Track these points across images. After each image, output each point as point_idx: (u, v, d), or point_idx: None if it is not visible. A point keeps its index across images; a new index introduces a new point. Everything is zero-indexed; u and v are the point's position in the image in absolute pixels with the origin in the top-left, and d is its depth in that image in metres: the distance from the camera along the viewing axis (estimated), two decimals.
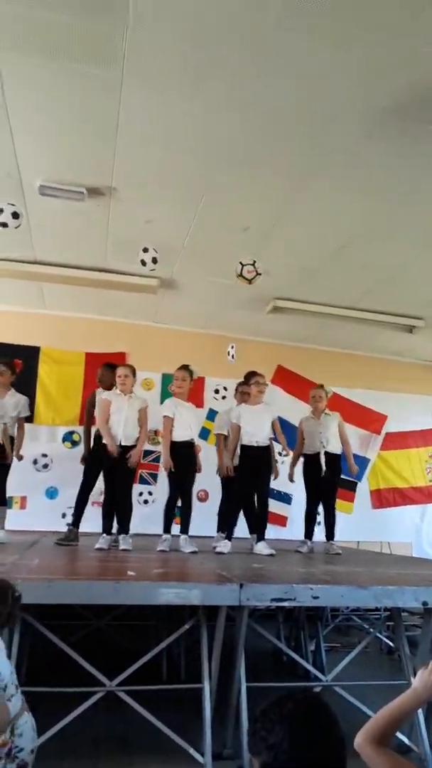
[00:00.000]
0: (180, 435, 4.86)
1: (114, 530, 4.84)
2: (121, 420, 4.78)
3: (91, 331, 6.93)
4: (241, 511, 5.10)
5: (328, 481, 5.47)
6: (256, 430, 5.04)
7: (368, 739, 1.27)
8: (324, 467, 5.41)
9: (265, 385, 5.20)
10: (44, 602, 2.80)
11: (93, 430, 5.18)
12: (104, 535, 4.71)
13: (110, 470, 4.80)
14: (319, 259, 5.34)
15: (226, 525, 5.13)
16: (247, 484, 5.04)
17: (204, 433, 6.54)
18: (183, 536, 4.79)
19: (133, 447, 4.77)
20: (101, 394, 5.05)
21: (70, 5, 2.76)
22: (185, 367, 5.07)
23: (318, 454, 5.46)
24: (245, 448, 5.02)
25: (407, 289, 5.88)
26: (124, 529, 4.75)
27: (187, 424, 4.89)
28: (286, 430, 5.92)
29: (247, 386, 5.27)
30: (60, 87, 3.32)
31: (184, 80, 3.23)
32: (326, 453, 5.45)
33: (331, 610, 5.75)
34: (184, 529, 4.83)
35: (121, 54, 3.04)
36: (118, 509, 4.81)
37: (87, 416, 5.46)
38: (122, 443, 4.74)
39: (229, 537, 4.93)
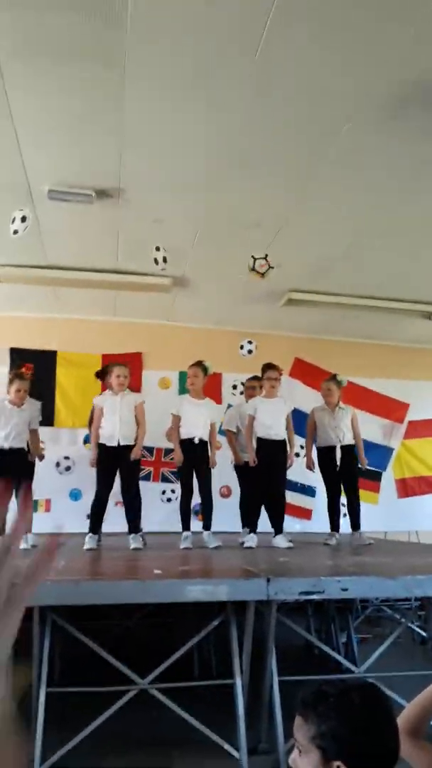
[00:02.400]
0: (184, 433, 4.87)
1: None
2: (116, 421, 4.75)
3: (107, 333, 6.95)
4: (262, 504, 5.08)
5: (347, 473, 5.44)
6: (272, 422, 5.03)
7: (402, 732, 1.24)
8: (338, 462, 5.38)
9: (275, 380, 5.18)
10: (72, 603, 2.82)
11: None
12: (91, 534, 4.65)
13: (110, 471, 4.77)
14: (331, 252, 5.28)
15: (248, 519, 5.12)
16: (264, 477, 5.03)
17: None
18: (206, 532, 4.79)
19: (132, 446, 4.73)
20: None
21: (69, 9, 2.76)
22: (198, 363, 5.07)
23: (333, 447, 5.43)
24: (261, 441, 5.01)
25: (423, 276, 5.79)
26: (134, 528, 4.71)
27: (192, 422, 4.88)
28: (304, 422, 5.89)
29: (256, 381, 5.27)
30: (63, 91, 3.32)
31: (187, 82, 3.21)
32: (342, 447, 5.42)
33: (360, 601, 5.69)
34: (207, 525, 4.82)
35: (122, 56, 3.02)
36: (127, 509, 4.78)
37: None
38: (120, 443, 4.70)
39: (253, 530, 4.91)
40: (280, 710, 3.02)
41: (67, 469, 6.69)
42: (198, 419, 4.90)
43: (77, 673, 3.34)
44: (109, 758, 3.05)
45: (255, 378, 5.60)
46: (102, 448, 4.75)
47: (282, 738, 2.97)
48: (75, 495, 6.55)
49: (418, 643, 5.63)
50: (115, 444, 4.72)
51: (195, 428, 4.87)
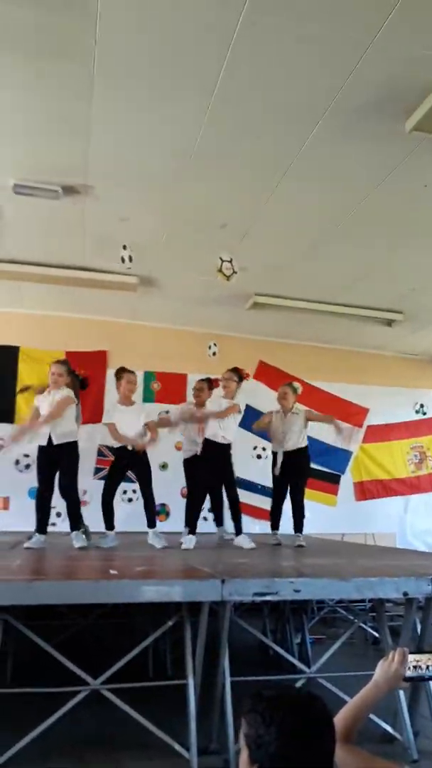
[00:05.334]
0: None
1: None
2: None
3: (71, 330, 6.89)
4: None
5: (291, 478, 5.55)
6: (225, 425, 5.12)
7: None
8: (279, 467, 5.51)
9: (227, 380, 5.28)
10: (25, 603, 2.79)
11: None
12: (37, 534, 4.56)
13: (53, 468, 4.68)
14: (296, 255, 5.36)
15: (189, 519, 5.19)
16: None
17: None
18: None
19: (66, 444, 4.60)
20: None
21: (36, 2, 2.74)
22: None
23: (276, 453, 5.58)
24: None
25: (385, 283, 5.93)
26: (75, 525, 4.63)
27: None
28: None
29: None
30: (31, 85, 3.29)
31: (155, 79, 3.22)
32: (285, 452, 5.53)
33: (316, 602, 5.78)
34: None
35: (91, 52, 3.02)
36: (67, 506, 4.70)
37: None
38: (54, 442, 4.57)
39: (192, 531, 4.96)
40: (231, 711, 3.05)
41: (27, 467, 6.59)
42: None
43: (30, 673, 3.30)
44: (55, 760, 3.04)
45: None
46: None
47: (232, 738, 2.99)
48: (31, 493, 6.46)
49: (370, 643, 5.76)
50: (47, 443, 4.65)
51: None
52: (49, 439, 4.58)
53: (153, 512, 4.90)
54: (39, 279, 5.80)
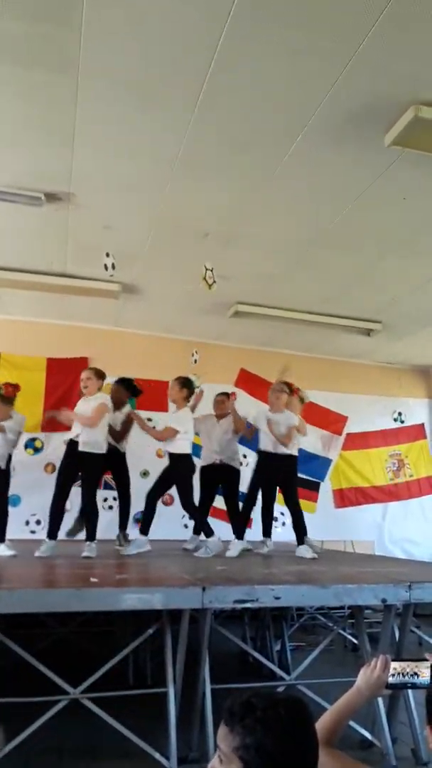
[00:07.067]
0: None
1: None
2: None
3: (53, 336, 6.86)
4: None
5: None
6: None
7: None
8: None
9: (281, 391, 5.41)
10: (5, 612, 2.77)
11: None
12: (48, 540, 4.52)
13: (73, 475, 4.71)
14: (278, 264, 5.41)
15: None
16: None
17: None
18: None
19: (90, 454, 4.60)
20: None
21: (22, 13, 2.76)
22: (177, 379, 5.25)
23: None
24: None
25: (365, 293, 6.01)
26: (90, 536, 4.62)
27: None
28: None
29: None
30: (15, 94, 3.30)
31: (139, 88, 3.25)
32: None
33: (296, 609, 5.81)
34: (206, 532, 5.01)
35: (76, 61, 3.04)
36: (84, 516, 4.74)
37: None
38: (80, 449, 4.59)
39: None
40: (212, 719, 3.06)
41: None
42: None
43: (9, 682, 3.27)
44: None
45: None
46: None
47: (213, 747, 2.99)
48: (14, 501, 6.38)
49: (349, 650, 5.80)
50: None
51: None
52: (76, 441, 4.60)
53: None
54: (20, 285, 5.77)
